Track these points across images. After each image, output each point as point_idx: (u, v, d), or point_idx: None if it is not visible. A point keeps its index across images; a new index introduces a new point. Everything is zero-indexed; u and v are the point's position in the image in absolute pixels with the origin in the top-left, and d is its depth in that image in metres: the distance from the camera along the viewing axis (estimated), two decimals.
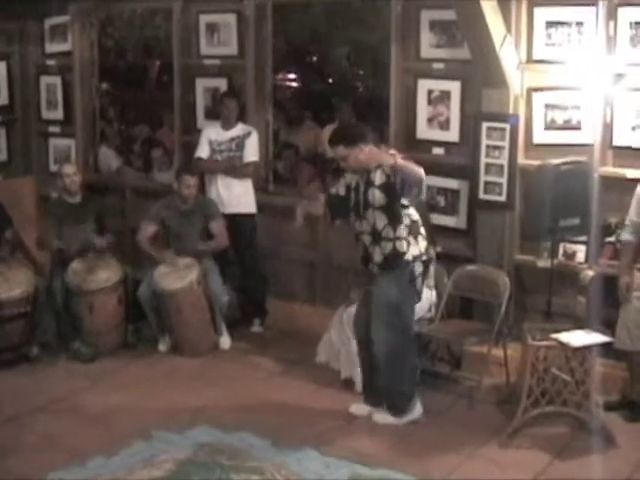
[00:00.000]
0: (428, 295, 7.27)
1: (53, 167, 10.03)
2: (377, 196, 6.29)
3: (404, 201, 6.31)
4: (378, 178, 6.28)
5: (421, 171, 6.12)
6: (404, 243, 6.34)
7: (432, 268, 6.77)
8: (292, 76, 14.76)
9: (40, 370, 7.63)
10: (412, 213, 6.41)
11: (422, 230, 6.46)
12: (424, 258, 6.46)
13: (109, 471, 5.83)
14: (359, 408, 6.77)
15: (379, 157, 6.27)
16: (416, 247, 6.41)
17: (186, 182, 8.05)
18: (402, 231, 6.34)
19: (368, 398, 6.77)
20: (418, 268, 6.43)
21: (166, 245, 8.22)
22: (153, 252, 8.13)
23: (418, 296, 6.60)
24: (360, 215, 6.43)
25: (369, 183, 6.33)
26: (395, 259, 6.36)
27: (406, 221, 6.37)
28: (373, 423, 6.61)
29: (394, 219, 6.32)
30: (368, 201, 6.34)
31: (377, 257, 6.41)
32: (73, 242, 8.11)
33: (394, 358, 6.47)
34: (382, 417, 6.62)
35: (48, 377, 7.49)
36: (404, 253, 6.34)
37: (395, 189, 6.21)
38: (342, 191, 6.59)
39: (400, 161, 6.08)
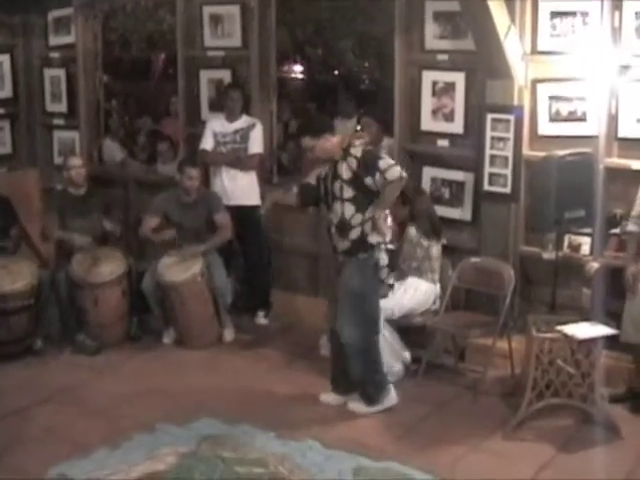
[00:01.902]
0: (432, 288, 7.28)
1: (57, 159, 10.03)
2: (344, 189, 6.35)
3: (373, 187, 6.32)
4: (345, 172, 6.33)
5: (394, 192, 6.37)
6: (368, 229, 6.37)
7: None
8: (297, 68, 14.73)
9: (44, 363, 7.63)
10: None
11: (388, 219, 6.57)
12: (389, 247, 6.54)
13: (112, 463, 5.82)
14: (329, 397, 6.81)
15: (343, 146, 6.40)
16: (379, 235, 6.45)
17: (188, 174, 8.03)
18: (367, 214, 6.36)
19: (338, 387, 6.81)
20: (383, 258, 6.47)
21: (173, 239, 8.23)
22: (155, 239, 8.16)
23: (386, 288, 6.66)
24: (329, 205, 6.49)
25: (336, 176, 6.40)
26: (361, 244, 6.39)
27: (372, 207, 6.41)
28: (378, 414, 6.59)
29: (362, 207, 6.35)
30: (335, 194, 6.41)
31: (344, 244, 6.44)
32: (78, 233, 8.10)
33: (362, 348, 6.53)
34: (357, 406, 6.67)
35: (52, 370, 7.49)
36: (367, 238, 6.38)
37: (362, 181, 6.27)
38: (313, 181, 6.70)
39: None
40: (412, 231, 7.27)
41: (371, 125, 8.38)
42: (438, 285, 7.35)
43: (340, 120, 10.06)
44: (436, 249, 7.31)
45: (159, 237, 8.18)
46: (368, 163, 6.26)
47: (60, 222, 8.22)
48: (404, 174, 6.28)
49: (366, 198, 6.32)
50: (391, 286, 6.76)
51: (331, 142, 6.42)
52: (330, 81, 14.26)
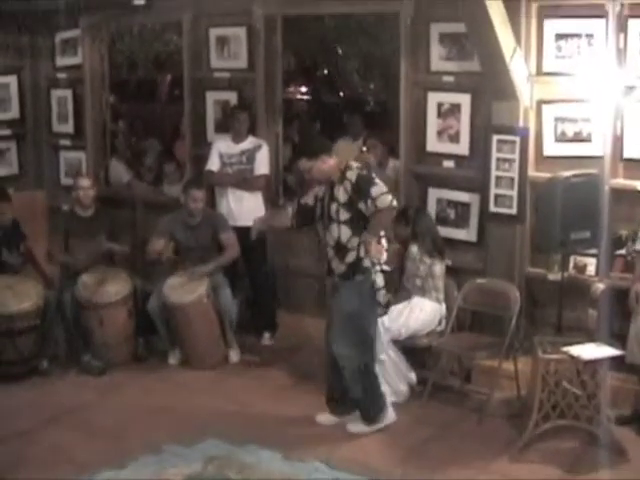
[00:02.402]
0: (437, 308, 7.28)
1: (64, 180, 10.07)
2: (341, 212, 6.37)
3: (367, 212, 6.34)
4: (341, 195, 6.36)
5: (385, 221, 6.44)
6: (364, 253, 6.39)
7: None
8: (303, 89, 14.77)
9: (50, 383, 7.63)
10: None
11: (383, 241, 6.54)
12: (384, 268, 6.52)
13: None
14: (324, 418, 6.81)
15: (341, 167, 6.42)
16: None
17: (193, 196, 8.05)
18: (363, 238, 6.38)
19: (333, 408, 6.81)
20: (379, 280, 6.48)
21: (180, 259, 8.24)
22: (161, 258, 8.18)
23: (382, 309, 6.63)
24: (325, 226, 6.51)
25: (332, 198, 6.42)
26: (356, 266, 6.41)
27: None
28: (384, 436, 6.59)
29: (358, 230, 6.36)
30: (331, 216, 6.43)
31: (340, 267, 6.46)
32: (82, 256, 8.11)
33: (360, 369, 6.55)
34: (356, 427, 6.67)
35: (58, 390, 7.49)
36: (362, 261, 6.39)
37: (356, 206, 6.30)
38: (311, 201, 6.69)
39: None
40: (414, 249, 7.30)
41: (377, 147, 8.43)
42: (444, 305, 7.35)
43: (346, 141, 10.10)
44: (439, 268, 7.32)
45: (162, 256, 8.18)
46: (361, 188, 6.28)
47: (66, 243, 8.23)
48: (394, 203, 6.30)
49: (362, 221, 6.33)
50: (387, 307, 6.73)
51: (328, 164, 6.45)
52: (335, 102, 14.29)
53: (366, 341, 6.55)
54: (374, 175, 6.43)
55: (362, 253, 6.37)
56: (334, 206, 6.40)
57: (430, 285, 7.29)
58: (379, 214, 6.25)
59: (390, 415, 6.72)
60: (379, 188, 6.26)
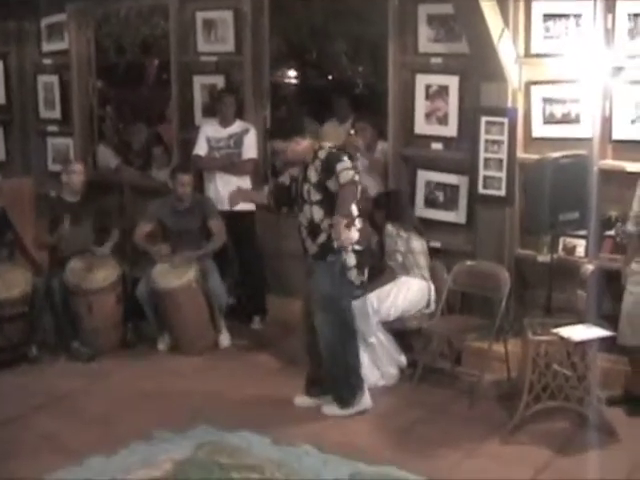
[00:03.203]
0: (424, 286, 7.29)
1: (52, 166, 10.02)
2: (312, 193, 6.39)
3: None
4: (313, 175, 6.38)
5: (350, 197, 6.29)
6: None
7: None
8: (291, 73, 14.71)
9: (39, 370, 7.61)
10: None
11: (357, 222, 6.47)
12: (356, 248, 6.47)
13: (108, 471, 5.79)
14: (302, 400, 6.83)
15: (315, 148, 6.43)
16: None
17: (180, 180, 8.03)
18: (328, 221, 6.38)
19: (311, 390, 6.83)
20: (350, 259, 6.46)
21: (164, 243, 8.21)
22: (149, 248, 8.14)
23: (358, 289, 6.63)
24: (299, 207, 6.54)
25: (305, 179, 6.44)
26: (327, 247, 6.41)
27: None
28: (375, 419, 6.59)
29: (330, 210, 6.35)
30: (304, 197, 6.45)
31: (313, 248, 6.50)
32: (70, 242, 8.07)
33: (336, 350, 6.55)
34: (330, 409, 6.67)
35: (47, 377, 7.47)
36: (333, 241, 6.38)
37: (326, 185, 6.31)
38: (287, 181, 6.74)
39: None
40: (389, 227, 7.37)
41: (366, 129, 8.37)
42: (431, 283, 7.36)
43: (333, 124, 10.06)
44: (418, 243, 7.36)
45: (152, 247, 8.14)
46: (329, 165, 6.29)
47: (53, 229, 8.17)
48: (356, 177, 6.26)
49: (333, 202, 6.31)
50: (363, 287, 6.71)
51: (302, 145, 6.45)
52: (324, 85, 14.23)
53: (342, 321, 6.54)
54: (344, 154, 6.38)
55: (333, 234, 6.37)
56: (306, 187, 6.42)
57: (411, 261, 7.31)
58: (342, 190, 6.21)
59: (366, 401, 6.70)
60: (343, 164, 6.23)
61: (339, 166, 6.22)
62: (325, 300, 6.46)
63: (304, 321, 6.78)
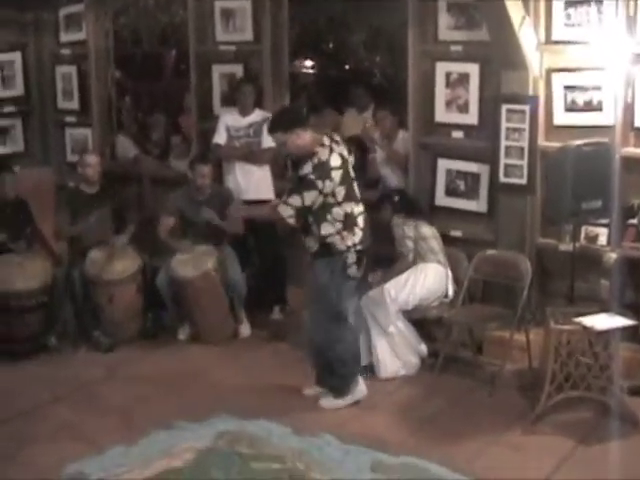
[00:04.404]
0: (441, 271, 7.30)
1: (70, 157, 10.02)
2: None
3: (331, 199, 6.24)
4: (307, 170, 6.23)
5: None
6: (336, 239, 6.31)
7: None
8: (309, 63, 14.70)
9: (59, 360, 7.62)
10: (347, 207, 6.32)
11: (360, 222, 6.39)
12: (358, 248, 6.39)
13: (129, 461, 5.80)
14: (311, 390, 6.80)
15: (316, 143, 6.28)
16: (350, 239, 6.34)
17: (200, 171, 8.00)
18: (329, 228, 6.28)
19: (318, 380, 6.80)
20: (351, 257, 6.37)
21: (183, 234, 8.19)
22: (173, 244, 8.10)
23: (353, 279, 6.51)
24: None
25: (298, 179, 6.32)
26: (326, 250, 6.35)
27: (337, 217, 6.29)
28: (396, 409, 6.58)
29: (317, 218, 6.28)
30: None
31: (311, 248, 6.43)
32: (90, 233, 8.06)
33: (328, 341, 6.51)
34: (327, 401, 6.66)
35: (67, 367, 7.47)
36: (334, 244, 6.32)
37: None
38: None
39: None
40: (395, 217, 7.42)
41: (385, 118, 8.35)
42: (448, 268, 7.33)
43: (352, 114, 10.04)
44: (427, 229, 7.37)
45: (176, 244, 8.11)
46: (290, 191, 6.27)
47: (72, 220, 8.17)
48: (287, 218, 6.24)
49: (324, 211, 6.25)
50: (357, 278, 6.59)
51: (302, 139, 6.27)
52: (341, 75, 14.20)
53: (336, 313, 6.46)
54: (321, 175, 6.18)
55: (334, 243, 6.31)
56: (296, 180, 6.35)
57: (424, 247, 7.31)
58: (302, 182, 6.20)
59: (361, 389, 6.67)
60: (298, 197, 6.17)
61: (303, 186, 6.18)
62: (321, 292, 6.41)
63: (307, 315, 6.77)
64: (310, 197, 6.17)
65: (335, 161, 6.24)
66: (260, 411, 6.44)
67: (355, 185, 6.44)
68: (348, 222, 6.32)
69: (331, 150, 6.27)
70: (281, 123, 6.40)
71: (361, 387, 6.68)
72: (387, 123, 8.31)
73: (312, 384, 6.83)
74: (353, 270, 6.42)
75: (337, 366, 6.58)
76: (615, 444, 5.98)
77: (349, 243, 6.33)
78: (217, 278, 7.82)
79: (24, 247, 8.15)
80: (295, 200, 6.20)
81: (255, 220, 7.91)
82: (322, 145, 6.29)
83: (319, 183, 6.15)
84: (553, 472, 5.64)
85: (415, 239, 7.31)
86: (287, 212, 6.23)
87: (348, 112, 10.19)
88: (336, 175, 6.20)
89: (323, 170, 6.18)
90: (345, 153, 6.40)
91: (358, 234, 6.36)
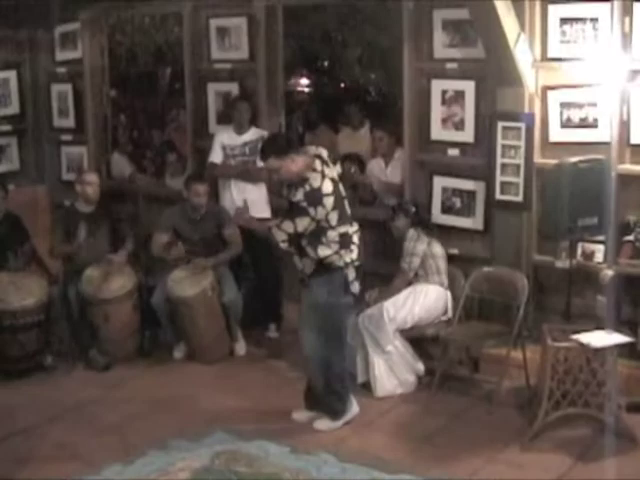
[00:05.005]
0: (441, 294, 7.27)
1: (66, 175, 10.03)
2: (295, 211, 6.22)
3: (325, 224, 6.20)
4: (299, 196, 6.16)
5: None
6: (334, 258, 6.28)
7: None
8: (304, 81, 14.74)
9: (55, 379, 7.59)
10: (342, 229, 6.27)
11: (355, 239, 6.36)
12: (356, 264, 6.37)
13: None
14: (300, 414, 6.73)
15: (308, 168, 6.22)
16: (348, 256, 6.31)
17: (196, 191, 7.99)
18: (326, 250, 6.24)
19: (307, 403, 6.75)
20: (351, 273, 6.34)
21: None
22: (167, 256, 8.08)
23: (353, 297, 6.48)
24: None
25: (291, 203, 6.28)
26: (325, 269, 6.31)
27: (333, 239, 6.24)
28: (393, 427, 6.56)
29: (312, 241, 6.24)
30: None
31: (306, 270, 6.38)
32: (86, 251, 8.05)
33: (322, 360, 6.44)
34: (322, 423, 6.57)
35: (63, 386, 7.45)
36: (333, 263, 6.28)
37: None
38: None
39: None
40: (411, 230, 7.37)
41: (383, 139, 8.40)
42: (448, 292, 7.32)
43: (348, 131, 10.05)
44: (439, 248, 7.35)
45: (171, 255, 8.11)
46: (284, 217, 6.25)
47: (68, 239, 8.15)
48: (279, 242, 6.23)
49: (318, 235, 6.22)
50: (356, 295, 6.53)
51: (296, 164, 6.21)
52: (336, 93, 14.24)
53: (332, 332, 6.42)
54: (313, 201, 6.13)
55: (332, 263, 6.27)
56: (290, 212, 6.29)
57: (432, 266, 7.30)
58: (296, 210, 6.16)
59: (354, 408, 6.62)
60: (291, 223, 6.15)
61: (284, 223, 6.18)
62: (317, 311, 6.35)
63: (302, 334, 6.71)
64: (302, 224, 6.15)
65: (327, 188, 6.18)
66: (257, 430, 6.42)
67: (347, 205, 6.38)
68: (344, 241, 6.29)
69: (323, 176, 6.21)
70: (274, 149, 6.32)
71: (354, 406, 6.64)
72: (384, 144, 8.37)
73: (302, 409, 6.76)
74: (355, 286, 6.39)
75: (334, 384, 6.52)
76: (613, 461, 5.95)
77: (347, 260, 6.31)
78: (214, 297, 7.81)
79: (21, 264, 8.11)
80: (288, 226, 6.18)
81: (252, 236, 7.90)
82: (314, 170, 6.22)
83: (311, 210, 6.12)
84: None
85: (424, 256, 7.29)
86: (280, 237, 6.22)
87: (343, 130, 10.20)
88: (328, 201, 6.16)
89: (314, 197, 6.13)
90: (336, 175, 6.37)
91: (354, 251, 6.34)
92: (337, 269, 6.30)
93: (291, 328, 8.29)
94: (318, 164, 6.27)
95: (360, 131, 9.91)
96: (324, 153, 6.43)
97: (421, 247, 7.29)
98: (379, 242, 8.01)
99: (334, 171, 6.40)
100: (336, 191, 6.25)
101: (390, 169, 8.57)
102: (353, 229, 6.38)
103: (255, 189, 8.32)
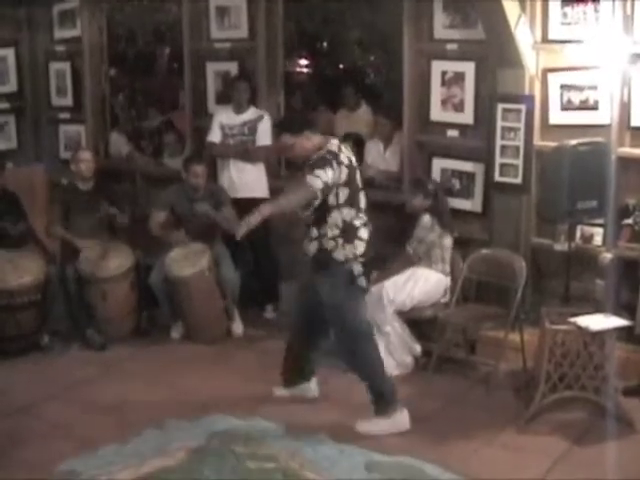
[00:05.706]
0: (442, 280, 7.24)
1: (64, 154, 10.00)
2: None
3: (332, 199, 5.97)
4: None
5: (297, 195, 5.92)
6: (331, 243, 6.02)
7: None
8: (304, 61, 14.70)
9: (52, 358, 7.58)
10: (346, 214, 6.03)
11: (362, 233, 6.08)
12: (361, 260, 6.09)
13: (121, 459, 5.77)
14: (280, 391, 6.72)
15: (323, 148, 6.01)
16: (351, 250, 6.03)
17: (194, 171, 7.98)
18: (327, 230, 6.01)
19: (287, 381, 6.71)
20: (357, 267, 6.06)
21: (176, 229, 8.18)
22: (164, 236, 8.07)
23: (364, 291, 6.26)
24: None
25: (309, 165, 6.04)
26: (324, 258, 6.06)
27: (335, 221, 6.01)
28: None
29: (317, 219, 6.02)
30: None
31: (309, 252, 6.15)
32: (82, 230, 8.04)
33: (355, 358, 6.25)
34: (364, 425, 6.22)
35: (59, 365, 7.44)
36: (331, 252, 6.03)
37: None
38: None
39: (265, 211, 5.79)
40: (426, 217, 7.24)
41: (385, 125, 8.41)
42: (449, 278, 7.30)
43: (344, 112, 10.02)
44: (449, 241, 7.29)
45: (167, 236, 8.10)
46: (311, 167, 5.89)
47: (65, 217, 8.16)
48: (317, 190, 5.77)
49: (318, 207, 5.97)
50: (365, 290, 6.30)
51: (312, 142, 6.04)
52: (335, 74, 14.20)
53: (353, 328, 6.16)
54: (335, 159, 5.91)
55: (328, 247, 6.03)
56: None
57: (437, 255, 7.25)
58: (301, 188, 5.85)
59: (403, 419, 6.25)
60: (323, 171, 5.79)
61: (318, 170, 5.79)
62: (334, 311, 6.13)
63: (294, 313, 6.67)
64: (328, 175, 5.82)
65: (344, 158, 5.98)
66: (254, 410, 6.42)
67: (361, 195, 6.12)
68: (347, 232, 6.02)
69: (339, 149, 6.02)
70: (292, 125, 6.18)
71: (404, 415, 6.23)
72: (386, 129, 8.38)
73: (281, 386, 6.73)
74: (362, 281, 6.13)
75: (372, 379, 6.24)
76: (609, 444, 5.96)
77: (349, 254, 6.03)
78: (211, 277, 7.80)
79: (18, 231, 8.14)
80: (320, 173, 5.78)
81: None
82: (329, 151, 5.98)
83: (334, 163, 5.88)
84: (547, 472, 5.62)
85: (432, 244, 7.23)
86: (317, 183, 5.76)
87: (340, 111, 10.17)
88: (344, 170, 5.95)
89: (331, 158, 5.90)
90: (353, 160, 6.13)
91: (360, 246, 6.06)
92: (338, 263, 6.04)
93: (288, 308, 8.31)
94: (334, 145, 6.06)
95: (357, 112, 9.86)
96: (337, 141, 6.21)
97: (432, 237, 7.22)
98: (379, 223, 7.96)
99: (352, 157, 6.14)
100: (351, 169, 6.02)
101: (389, 153, 8.56)
102: (360, 221, 6.09)
103: (254, 169, 8.30)
